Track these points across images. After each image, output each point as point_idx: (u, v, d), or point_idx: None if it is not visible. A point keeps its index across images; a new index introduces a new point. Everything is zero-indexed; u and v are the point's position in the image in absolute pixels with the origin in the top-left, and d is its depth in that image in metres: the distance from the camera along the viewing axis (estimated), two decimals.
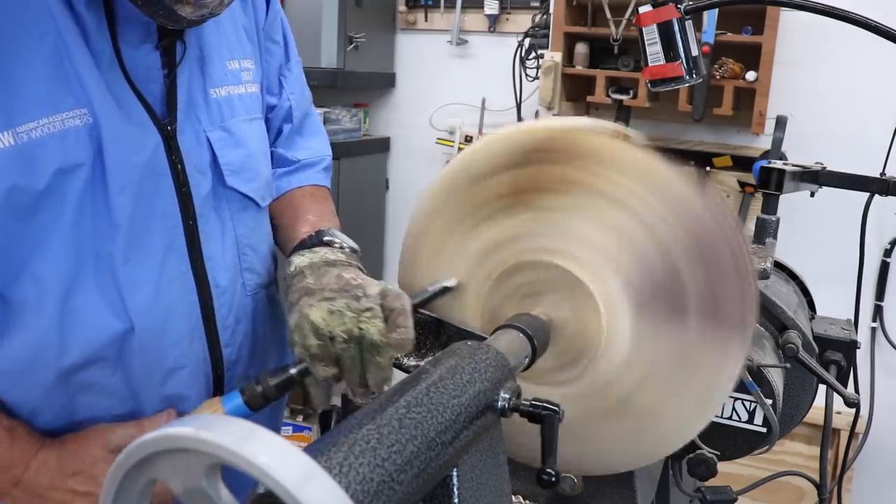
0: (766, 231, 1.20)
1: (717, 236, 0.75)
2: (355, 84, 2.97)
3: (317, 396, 0.91)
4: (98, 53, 0.84)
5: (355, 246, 1.03)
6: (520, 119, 2.89)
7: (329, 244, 1.01)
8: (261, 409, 0.91)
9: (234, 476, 0.41)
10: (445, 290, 0.89)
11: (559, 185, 0.80)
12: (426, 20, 3.08)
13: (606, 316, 0.79)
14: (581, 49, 2.60)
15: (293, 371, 0.89)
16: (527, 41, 2.81)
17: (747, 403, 0.99)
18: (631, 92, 2.53)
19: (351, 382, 0.87)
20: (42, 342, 0.85)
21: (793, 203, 1.72)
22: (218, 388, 1.00)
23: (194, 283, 0.95)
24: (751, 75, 2.36)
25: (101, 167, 0.85)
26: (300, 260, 0.97)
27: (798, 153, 2.27)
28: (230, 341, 1.01)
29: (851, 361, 1.19)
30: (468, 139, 3.01)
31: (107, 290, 0.88)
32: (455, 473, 0.61)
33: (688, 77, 1.28)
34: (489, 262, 0.86)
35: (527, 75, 2.84)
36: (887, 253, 2.52)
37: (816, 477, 1.32)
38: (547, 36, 2.67)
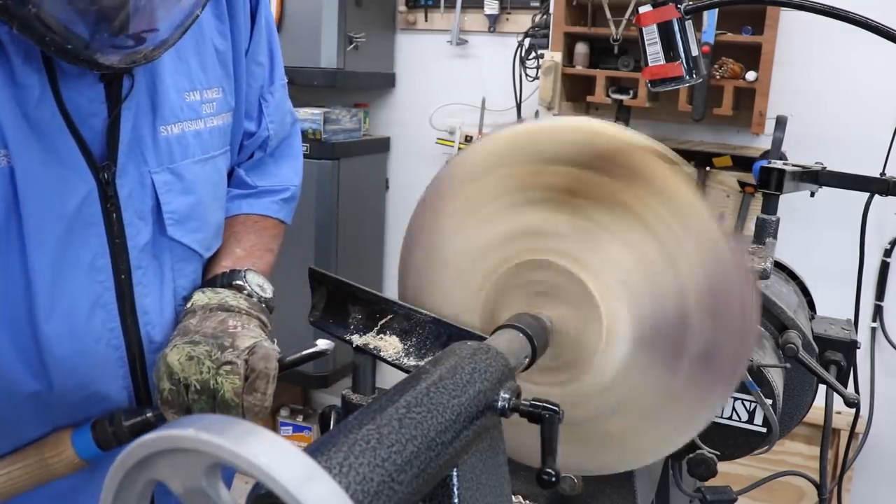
0: (766, 231, 1.20)
1: (734, 293, 0.73)
2: (355, 84, 2.97)
3: None
4: (26, 89, 0.76)
5: (267, 294, 0.99)
6: (519, 119, 2.89)
7: (238, 289, 0.96)
8: (111, 449, 0.87)
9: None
10: (318, 354, 0.86)
11: (610, 201, 0.76)
12: (426, 20, 3.08)
13: (605, 338, 0.77)
14: (581, 49, 2.60)
15: (149, 414, 0.87)
16: (527, 41, 2.81)
17: (747, 403, 0.98)
18: (631, 92, 2.53)
19: None
20: None
21: (793, 203, 1.72)
22: None
23: (123, 340, 0.90)
24: (751, 75, 2.36)
25: (17, 216, 0.78)
26: (199, 298, 0.94)
27: (798, 153, 2.27)
28: None
29: (851, 361, 1.19)
30: (468, 139, 3.02)
31: (25, 347, 0.82)
32: (455, 473, 0.61)
33: (688, 77, 1.28)
34: (511, 247, 0.81)
35: (527, 75, 2.84)
36: (887, 253, 2.52)
37: (816, 477, 1.32)
38: (547, 36, 2.67)
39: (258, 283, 0.99)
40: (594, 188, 0.76)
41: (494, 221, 0.81)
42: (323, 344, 0.86)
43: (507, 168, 0.80)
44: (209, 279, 1.00)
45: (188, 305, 0.94)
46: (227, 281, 0.98)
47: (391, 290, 0.93)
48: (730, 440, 1.00)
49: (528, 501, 0.99)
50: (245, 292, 0.97)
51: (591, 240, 0.77)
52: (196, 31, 0.94)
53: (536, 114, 2.84)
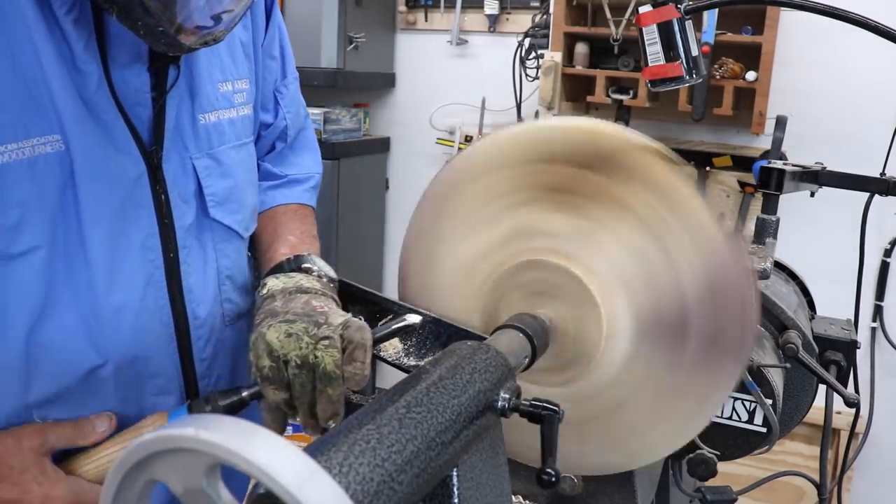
0: (766, 231, 1.20)
1: (731, 284, 0.75)
2: (355, 84, 2.97)
3: (268, 422, 0.88)
4: (85, 75, 0.80)
5: (333, 275, 1.00)
6: (520, 119, 2.89)
7: (307, 271, 0.98)
8: None
9: (231, 475, 0.41)
10: (407, 327, 0.87)
11: (606, 198, 0.77)
12: (426, 20, 3.08)
13: (606, 333, 0.78)
14: (581, 49, 2.60)
15: (245, 393, 0.88)
16: (527, 41, 2.81)
17: (747, 403, 0.99)
18: (631, 92, 2.53)
19: (301, 411, 0.85)
20: (5, 375, 0.82)
21: (793, 203, 1.72)
22: None
23: (171, 317, 0.93)
24: (751, 75, 2.36)
25: (74, 198, 0.81)
26: (274, 283, 0.95)
27: (798, 153, 2.27)
28: (206, 373, 0.99)
29: (851, 361, 1.19)
30: (468, 139, 3.02)
31: (87, 320, 0.85)
32: (455, 473, 0.61)
33: (688, 77, 1.28)
34: (509, 248, 0.82)
35: (527, 75, 2.84)
36: (887, 253, 2.52)
37: (816, 477, 1.32)
38: (547, 36, 2.67)
39: (324, 265, 1.01)
40: (591, 186, 0.77)
41: (492, 223, 0.83)
42: (411, 318, 0.87)
43: (506, 169, 0.81)
44: (275, 266, 1.01)
45: (264, 292, 0.95)
46: (296, 265, 1.00)
47: (391, 290, 0.93)
48: (730, 440, 1.00)
49: (528, 501, 0.99)
50: (315, 274, 0.99)
51: (587, 237, 0.78)
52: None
53: (536, 114, 2.84)
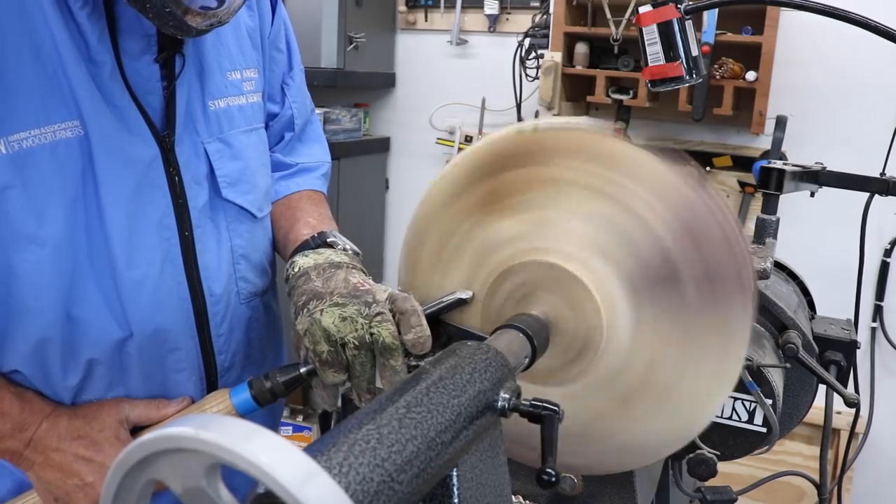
0: (766, 231, 1.20)
1: (700, 208, 0.74)
2: (355, 84, 2.97)
3: (324, 399, 0.90)
4: (100, 65, 0.85)
5: (357, 249, 1.03)
6: (520, 119, 2.89)
7: (332, 245, 1.01)
8: (268, 404, 0.92)
9: (233, 476, 0.42)
10: (460, 301, 0.86)
11: (541, 183, 0.78)
12: (426, 20, 3.08)
13: (604, 306, 0.77)
14: (581, 49, 2.60)
15: (302, 370, 0.89)
16: (527, 41, 2.81)
17: (747, 403, 0.99)
18: (631, 92, 2.53)
19: (359, 388, 0.87)
20: (49, 357, 0.88)
21: (793, 203, 1.72)
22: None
23: (189, 293, 0.96)
24: (751, 75, 2.36)
25: (93, 179, 0.86)
26: (304, 261, 0.97)
27: (798, 153, 2.27)
28: (224, 348, 1.02)
29: (851, 361, 1.19)
30: (468, 139, 3.02)
31: (109, 296, 0.89)
32: (455, 473, 0.61)
33: (688, 77, 1.28)
34: (480, 273, 0.84)
35: (527, 75, 2.84)
36: (887, 253, 2.52)
37: (816, 477, 1.32)
38: (547, 36, 2.67)
39: (346, 240, 1.04)
40: (516, 182, 0.79)
41: (456, 260, 0.85)
42: (462, 293, 0.86)
43: (445, 210, 0.85)
44: (301, 244, 1.03)
45: (296, 270, 0.97)
46: (320, 240, 1.02)
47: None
48: (730, 440, 1.00)
49: (528, 501, 0.99)
50: (340, 248, 1.01)
51: (544, 224, 0.79)
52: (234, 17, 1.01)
53: (536, 114, 2.84)
